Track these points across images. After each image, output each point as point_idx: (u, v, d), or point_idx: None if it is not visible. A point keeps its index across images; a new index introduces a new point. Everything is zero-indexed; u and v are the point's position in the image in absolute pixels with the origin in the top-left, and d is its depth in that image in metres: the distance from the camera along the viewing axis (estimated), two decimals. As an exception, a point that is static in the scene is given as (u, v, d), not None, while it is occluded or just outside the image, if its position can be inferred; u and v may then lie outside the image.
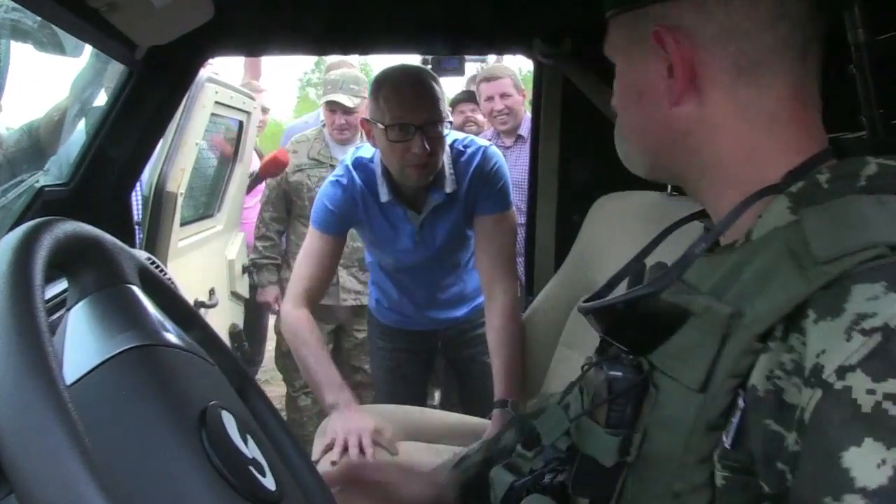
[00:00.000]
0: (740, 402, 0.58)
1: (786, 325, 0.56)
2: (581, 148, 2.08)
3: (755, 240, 0.64)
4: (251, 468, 0.55)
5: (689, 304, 0.64)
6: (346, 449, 1.64)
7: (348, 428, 1.67)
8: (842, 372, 0.50)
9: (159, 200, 2.31)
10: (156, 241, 2.29)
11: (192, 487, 0.49)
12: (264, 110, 3.90)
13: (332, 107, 3.14)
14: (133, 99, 1.74)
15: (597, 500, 0.72)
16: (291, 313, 1.89)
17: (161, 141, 2.33)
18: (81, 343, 0.57)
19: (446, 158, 1.89)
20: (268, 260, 3.28)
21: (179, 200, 2.37)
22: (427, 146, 1.73)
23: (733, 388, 0.58)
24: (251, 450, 0.57)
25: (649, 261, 0.82)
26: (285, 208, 3.23)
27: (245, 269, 3.34)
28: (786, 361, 0.55)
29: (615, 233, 1.68)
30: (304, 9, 1.75)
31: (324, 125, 3.25)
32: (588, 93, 1.92)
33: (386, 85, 1.77)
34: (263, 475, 0.56)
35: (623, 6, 0.72)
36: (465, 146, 1.94)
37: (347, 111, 3.11)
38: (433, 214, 1.92)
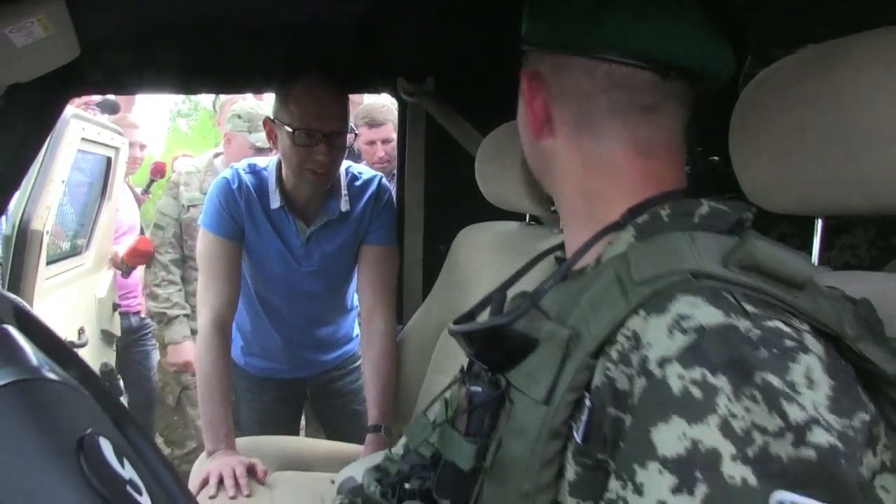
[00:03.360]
0: (587, 403, 0.66)
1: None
2: (444, 181, 2.16)
3: (596, 267, 0.74)
4: (129, 488, 0.60)
5: (537, 332, 0.73)
6: (221, 483, 1.67)
7: (222, 463, 1.70)
8: (662, 362, 0.58)
9: (24, 239, 2.25)
10: (20, 281, 2.23)
11: None
12: (141, 147, 3.72)
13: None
14: (-7, 135, 1.70)
15: (457, 502, 0.79)
16: (204, 331, 1.83)
17: (25, 178, 2.29)
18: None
19: (341, 180, 1.91)
20: (179, 310, 2.83)
21: (46, 238, 2.32)
22: (330, 155, 1.75)
23: (574, 400, 0.67)
24: (128, 471, 0.62)
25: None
26: (182, 250, 2.91)
27: (115, 308, 3.24)
28: (612, 354, 0.65)
29: (478, 260, 1.78)
30: (172, 49, 1.74)
31: (216, 156, 3.01)
32: (450, 129, 2.00)
33: (298, 88, 1.74)
34: (140, 494, 0.61)
35: (523, 45, 0.83)
36: (359, 172, 1.97)
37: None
38: (322, 230, 1.91)
